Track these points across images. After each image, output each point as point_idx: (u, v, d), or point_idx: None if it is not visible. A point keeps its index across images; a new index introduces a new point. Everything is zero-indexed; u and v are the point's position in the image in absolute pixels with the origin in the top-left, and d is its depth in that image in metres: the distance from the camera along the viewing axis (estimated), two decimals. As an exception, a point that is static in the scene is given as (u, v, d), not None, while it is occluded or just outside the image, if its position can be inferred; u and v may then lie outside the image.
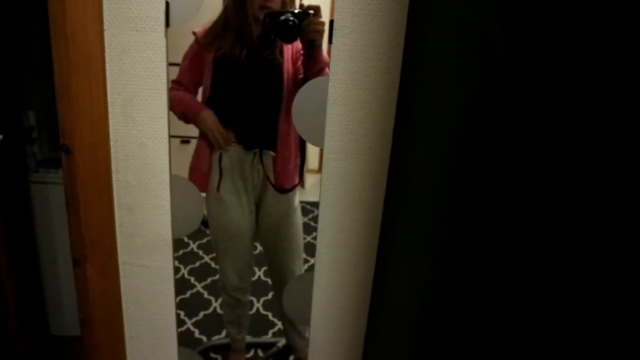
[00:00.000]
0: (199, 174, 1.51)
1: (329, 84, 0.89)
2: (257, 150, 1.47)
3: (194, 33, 1.41)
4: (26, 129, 1.69)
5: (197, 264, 2.22)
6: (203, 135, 1.46)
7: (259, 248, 1.75)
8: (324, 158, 0.95)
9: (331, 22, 0.87)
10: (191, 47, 1.41)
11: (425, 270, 0.97)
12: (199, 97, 1.47)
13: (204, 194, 1.58)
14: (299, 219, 1.61)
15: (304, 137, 1.00)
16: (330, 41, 0.87)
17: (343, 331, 1.09)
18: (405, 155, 0.92)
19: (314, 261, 1.03)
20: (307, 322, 1.06)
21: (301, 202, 1.63)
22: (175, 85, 1.45)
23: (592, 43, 0.46)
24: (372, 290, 1.05)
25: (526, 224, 0.62)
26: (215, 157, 1.48)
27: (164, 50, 0.87)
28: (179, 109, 1.44)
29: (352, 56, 0.88)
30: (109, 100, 0.90)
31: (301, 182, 1.55)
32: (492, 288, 0.77)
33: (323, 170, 0.95)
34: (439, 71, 0.86)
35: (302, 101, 0.96)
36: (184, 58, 1.42)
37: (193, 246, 2.29)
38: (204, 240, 2.28)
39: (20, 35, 1.53)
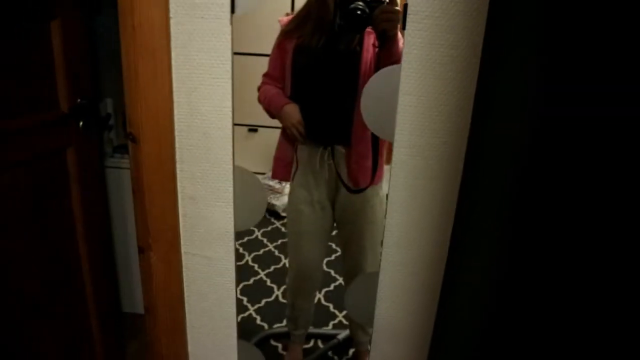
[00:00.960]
0: (283, 164, 1.49)
1: (401, 72, 0.83)
2: (327, 145, 1.42)
3: (280, 21, 1.38)
4: (104, 117, 1.76)
5: (261, 251, 2.24)
6: None
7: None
8: (393, 152, 0.89)
9: (405, 6, 0.80)
10: (277, 36, 1.38)
11: (499, 276, 0.90)
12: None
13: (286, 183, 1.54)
14: (378, 217, 1.51)
15: (371, 129, 0.95)
16: (404, 27, 0.80)
17: (407, 335, 1.04)
18: (482, 151, 0.85)
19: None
20: (369, 323, 1.02)
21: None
22: (265, 79, 1.43)
23: None
24: (440, 294, 0.99)
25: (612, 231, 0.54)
26: (294, 147, 1.46)
27: (229, 37, 0.84)
28: (265, 103, 1.41)
29: (427, 43, 0.81)
30: (174, 89, 0.89)
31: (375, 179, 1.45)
32: (571, 299, 0.69)
33: (392, 165, 0.89)
34: (523, 61, 0.77)
35: (372, 90, 0.90)
36: (273, 48, 1.40)
37: (258, 234, 2.31)
38: (269, 228, 2.29)
39: (97, 23, 1.58)
